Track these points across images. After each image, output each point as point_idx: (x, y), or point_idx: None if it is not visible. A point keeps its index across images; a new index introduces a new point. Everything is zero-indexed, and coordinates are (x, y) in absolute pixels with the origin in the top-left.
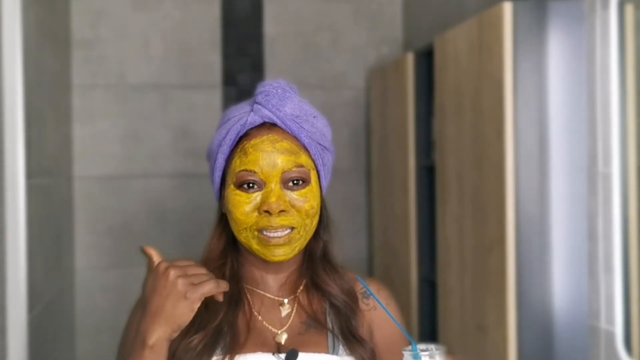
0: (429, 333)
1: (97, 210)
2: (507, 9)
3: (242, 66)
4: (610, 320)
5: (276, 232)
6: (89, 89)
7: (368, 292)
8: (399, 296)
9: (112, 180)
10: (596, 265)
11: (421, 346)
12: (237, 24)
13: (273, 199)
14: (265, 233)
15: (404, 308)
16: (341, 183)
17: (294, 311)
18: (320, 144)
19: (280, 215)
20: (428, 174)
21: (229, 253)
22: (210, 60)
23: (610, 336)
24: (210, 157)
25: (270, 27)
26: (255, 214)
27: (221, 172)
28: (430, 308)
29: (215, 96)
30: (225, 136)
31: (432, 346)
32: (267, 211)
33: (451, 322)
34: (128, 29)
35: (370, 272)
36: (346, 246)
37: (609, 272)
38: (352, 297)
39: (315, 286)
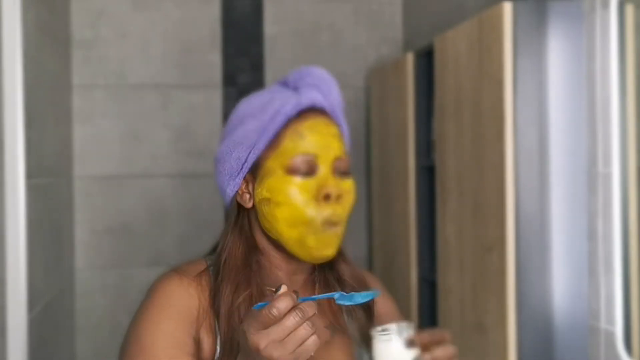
0: None
1: (97, 210)
2: (507, 9)
3: (242, 66)
4: (610, 320)
5: (338, 225)
6: (89, 89)
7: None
8: (399, 296)
9: (112, 180)
10: (596, 265)
11: (386, 326)
12: (237, 24)
13: (332, 182)
14: (329, 226)
15: (403, 308)
16: None
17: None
18: (346, 136)
19: (337, 201)
20: (428, 174)
21: (251, 255)
22: (210, 60)
23: (610, 336)
24: (239, 145)
25: (270, 27)
26: (314, 202)
27: (252, 162)
28: (430, 308)
29: (215, 96)
30: (274, 117)
31: (393, 325)
32: (327, 195)
33: (451, 322)
34: (128, 29)
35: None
36: (346, 246)
37: (609, 272)
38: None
39: (327, 281)
